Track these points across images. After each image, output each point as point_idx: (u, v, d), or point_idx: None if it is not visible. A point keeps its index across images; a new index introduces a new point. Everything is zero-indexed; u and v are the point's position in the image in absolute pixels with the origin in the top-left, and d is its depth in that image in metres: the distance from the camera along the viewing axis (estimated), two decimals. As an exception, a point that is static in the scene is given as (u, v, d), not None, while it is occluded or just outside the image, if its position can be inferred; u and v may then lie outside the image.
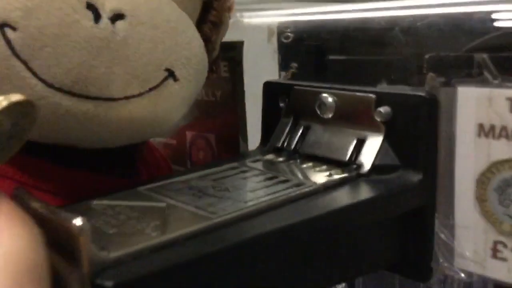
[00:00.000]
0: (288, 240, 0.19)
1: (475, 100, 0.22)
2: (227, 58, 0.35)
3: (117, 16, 0.23)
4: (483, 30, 0.22)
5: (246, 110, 0.35)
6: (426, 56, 0.23)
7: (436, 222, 0.24)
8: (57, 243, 0.16)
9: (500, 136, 0.21)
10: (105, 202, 0.21)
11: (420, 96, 0.23)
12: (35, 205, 0.17)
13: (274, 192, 0.22)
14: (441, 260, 0.24)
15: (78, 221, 0.15)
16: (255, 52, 0.37)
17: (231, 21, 0.32)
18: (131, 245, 0.16)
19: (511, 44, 0.21)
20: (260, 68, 0.36)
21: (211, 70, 0.31)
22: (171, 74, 0.25)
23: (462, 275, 0.24)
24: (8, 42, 0.21)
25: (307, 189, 0.22)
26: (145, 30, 0.23)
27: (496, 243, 0.22)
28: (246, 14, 0.39)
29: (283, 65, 0.36)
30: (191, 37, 0.26)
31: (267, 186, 0.23)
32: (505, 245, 0.22)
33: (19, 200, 0.18)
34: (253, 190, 0.22)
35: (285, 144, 0.28)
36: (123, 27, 0.23)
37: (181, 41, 0.25)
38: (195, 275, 0.16)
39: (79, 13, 0.22)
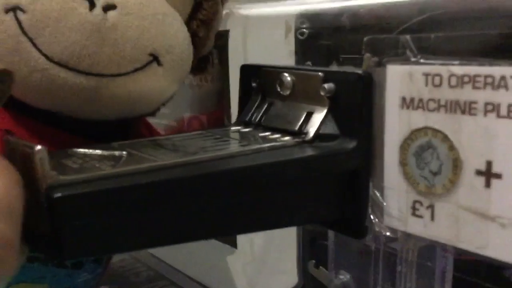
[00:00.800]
0: (222, 184, 0.23)
1: (399, 76, 0.25)
2: (215, 47, 0.39)
3: (109, 6, 0.27)
4: (410, 15, 0.25)
5: (230, 92, 0.39)
6: (365, 39, 0.27)
7: (371, 184, 0.27)
8: (28, 175, 0.20)
9: (418, 107, 0.25)
10: (80, 150, 0.25)
11: (357, 74, 0.27)
12: (16, 142, 0.22)
13: (222, 149, 0.26)
14: (373, 218, 0.27)
15: (37, 147, 0.19)
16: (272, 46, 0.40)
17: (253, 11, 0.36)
18: (82, 174, 0.21)
19: (430, 26, 0.25)
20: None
21: (201, 67, 0.36)
22: (155, 58, 0.29)
23: (388, 233, 0.27)
24: (19, 22, 0.27)
25: (252, 147, 0.26)
26: (133, 19, 0.28)
27: (414, 202, 0.25)
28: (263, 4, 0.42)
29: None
30: (176, 29, 0.30)
31: (217, 145, 0.27)
32: (421, 204, 0.25)
33: (6, 142, 0.22)
34: (204, 147, 0.26)
35: (252, 118, 0.32)
36: (113, 15, 0.27)
37: (167, 32, 0.29)
38: (130, 200, 0.21)
39: (77, 1, 0.27)
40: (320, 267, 0.41)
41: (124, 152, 0.25)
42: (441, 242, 0.25)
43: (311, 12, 0.35)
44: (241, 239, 0.43)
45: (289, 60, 0.37)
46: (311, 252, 0.43)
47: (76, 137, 0.30)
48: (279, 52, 0.38)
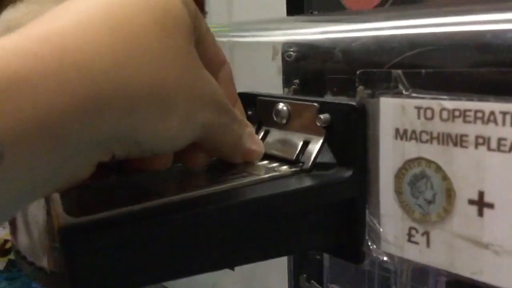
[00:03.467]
0: (225, 218, 0.24)
1: (392, 108, 0.26)
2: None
3: None
4: (401, 50, 0.26)
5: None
6: (358, 72, 0.28)
7: (367, 211, 0.28)
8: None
9: (411, 138, 0.26)
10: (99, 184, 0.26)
11: (351, 105, 0.28)
12: None
13: (224, 182, 0.26)
14: (370, 244, 0.28)
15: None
16: (261, 69, 0.41)
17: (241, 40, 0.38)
18: (93, 214, 0.21)
19: (421, 62, 0.26)
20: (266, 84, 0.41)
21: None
22: None
23: (385, 258, 0.28)
24: None
25: (252, 179, 0.27)
26: None
27: (410, 229, 0.26)
28: (254, 33, 0.44)
29: (286, 82, 0.41)
30: None
31: (219, 177, 0.27)
32: (417, 231, 0.26)
33: None
34: (205, 179, 0.27)
35: (249, 146, 0.33)
36: None
37: None
38: (137, 239, 0.21)
39: None
40: (312, 281, 0.42)
41: (126, 187, 0.25)
42: (436, 268, 0.26)
43: (299, 41, 0.37)
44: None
45: (277, 80, 0.39)
46: (301, 267, 0.44)
47: None
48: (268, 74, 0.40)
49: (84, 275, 0.20)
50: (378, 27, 0.28)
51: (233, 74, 0.41)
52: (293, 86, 0.41)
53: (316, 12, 0.54)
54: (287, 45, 0.39)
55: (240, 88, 0.36)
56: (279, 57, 0.41)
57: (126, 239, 0.21)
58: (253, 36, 0.44)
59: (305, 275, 0.42)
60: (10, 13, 0.28)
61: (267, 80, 0.41)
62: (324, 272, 0.38)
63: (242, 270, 0.49)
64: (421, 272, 0.30)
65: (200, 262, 0.24)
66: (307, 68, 0.37)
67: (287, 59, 0.39)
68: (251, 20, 0.50)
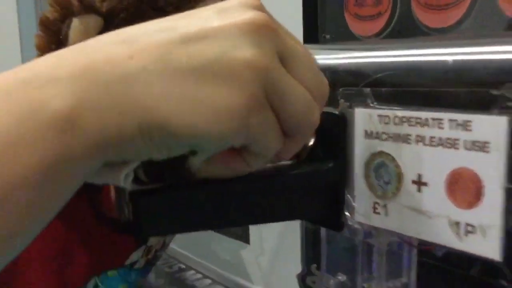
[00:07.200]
0: (243, 192, 0.34)
1: (363, 116, 0.37)
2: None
3: None
4: (370, 73, 0.37)
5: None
6: (340, 89, 0.38)
7: (346, 191, 0.38)
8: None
9: (375, 137, 0.36)
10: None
11: (335, 114, 0.38)
12: None
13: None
14: (347, 216, 0.38)
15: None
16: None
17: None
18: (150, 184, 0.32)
19: (383, 82, 0.36)
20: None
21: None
22: None
23: (357, 226, 0.38)
24: None
25: (263, 168, 0.37)
26: None
27: (374, 203, 0.36)
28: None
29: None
30: None
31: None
32: (379, 204, 0.36)
33: None
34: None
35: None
36: None
37: None
38: (181, 201, 0.32)
39: None
40: (321, 269, 0.52)
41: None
42: (392, 231, 0.36)
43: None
44: (252, 236, 0.54)
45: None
46: (313, 257, 0.53)
47: None
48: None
49: (148, 223, 0.31)
50: (357, 55, 0.38)
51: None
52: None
53: (328, 36, 0.63)
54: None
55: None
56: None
57: (177, 201, 0.32)
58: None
59: (315, 265, 0.52)
60: None
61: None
62: (321, 256, 0.48)
63: (263, 258, 0.58)
64: (398, 243, 0.40)
65: (225, 220, 0.34)
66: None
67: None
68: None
